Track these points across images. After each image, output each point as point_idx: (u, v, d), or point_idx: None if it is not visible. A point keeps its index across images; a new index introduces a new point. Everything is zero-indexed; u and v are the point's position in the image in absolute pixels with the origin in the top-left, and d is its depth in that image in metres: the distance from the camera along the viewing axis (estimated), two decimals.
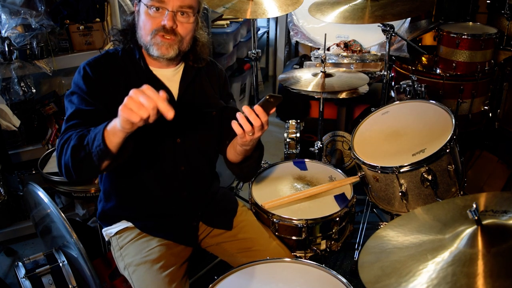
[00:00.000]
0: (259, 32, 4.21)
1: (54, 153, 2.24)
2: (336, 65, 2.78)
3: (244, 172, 1.57)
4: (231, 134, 1.36)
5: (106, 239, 1.62)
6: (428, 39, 3.22)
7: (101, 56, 1.43)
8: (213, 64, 1.60)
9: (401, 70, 2.76)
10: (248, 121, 1.26)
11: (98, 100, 1.35)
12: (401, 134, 1.73)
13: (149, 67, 1.43)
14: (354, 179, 1.77)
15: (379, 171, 1.62)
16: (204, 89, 1.52)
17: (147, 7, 1.33)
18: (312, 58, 2.91)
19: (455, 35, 2.53)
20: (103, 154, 1.19)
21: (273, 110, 1.30)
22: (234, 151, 1.47)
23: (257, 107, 1.26)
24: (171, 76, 1.46)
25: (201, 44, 1.48)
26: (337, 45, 2.90)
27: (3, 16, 2.15)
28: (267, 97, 1.26)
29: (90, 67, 1.38)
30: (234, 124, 1.27)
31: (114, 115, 1.24)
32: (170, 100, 1.42)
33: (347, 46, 2.88)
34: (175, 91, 1.45)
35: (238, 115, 1.27)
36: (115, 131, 1.16)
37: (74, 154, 1.22)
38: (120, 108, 1.09)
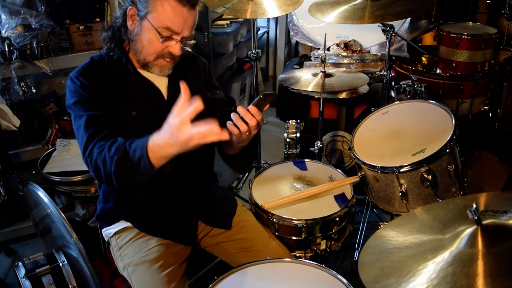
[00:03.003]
0: (259, 32, 4.21)
1: (54, 153, 2.24)
2: (336, 65, 2.78)
3: (241, 165, 1.61)
4: (224, 127, 1.38)
5: (106, 240, 1.62)
6: (428, 39, 3.21)
7: (88, 64, 1.42)
8: (195, 58, 1.60)
9: (401, 70, 2.76)
10: (243, 121, 1.27)
11: (101, 101, 1.36)
12: (401, 134, 1.73)
13: (137, 70, 1.44)
14: (354, 179, 1.77)
15: (379, 171, 1.62)
16: (191, 86, 1.52)
17: (158, 33, 1.31)
18: (312, 58, 2.91)
19: (455, 35, 2.53)
20: (149, 173, 1.22)
21: (267, 106, 1.32)
22: (230, 146, 1.48)
23: (252, 108, 1.28)
24: (158, 76, 1.46)
25: None
26: (337, 45, 2.90)
27: (3, 16, 2.15)
28: (261, 96, 1.27)
29: (82, 76, 1.38)
30: (230, 125, 1.29)
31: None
32: (161, 100, 1.44)
33: (347, 46, 2.87)
34: (164, 90, 1.46)
35: (233, 116, 1.29)
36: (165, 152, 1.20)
37: (120, 168, 1.23)
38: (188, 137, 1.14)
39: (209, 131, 1.11)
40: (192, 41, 1.40)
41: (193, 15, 1.34)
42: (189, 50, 1.57)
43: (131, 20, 1.36)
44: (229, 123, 1.29)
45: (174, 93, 1.47)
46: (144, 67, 1.41)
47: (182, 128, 1.12)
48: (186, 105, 1.13)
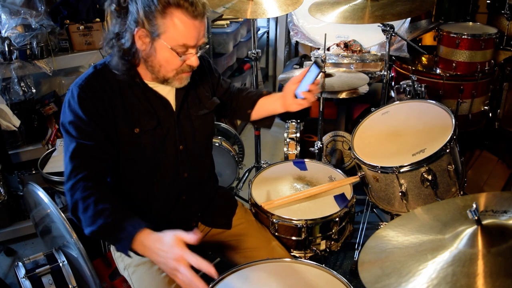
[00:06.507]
0: (259, 32, 4.21)
1: (54, 153, 2.24)
2: (336, 65, 2.78)
3: (272, 120, 1.72)
4: (251, 104, 1.65)
5: None
6: (428, 39, 3.22)
7: (91, 75, 1.35)
8: (200, 62, 1.57)
9: (401, 70, 2.76)
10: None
11: (98, 127, 1.31)
12: (401, 134, 1.73)
13: (144, 82, 1.39)
14: (354, 179, 1.77)
15: (379, 171, 1.62)
16: (198, 93, 1.51)
17: (175, 51, 1.28)
18: (312, 58, 2.92)
19: (455, 35, 2.53)
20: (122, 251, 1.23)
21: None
22: (267, 113, 1.67)
23: (312, 86, 1.48)
24: (165, 88, 1.42)
25: None
26: (337, 45, 2.90)
27: (3, 16, 2.15)
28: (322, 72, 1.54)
29: (84, 92, 1.31)
30: (303, 101, 1.51)
31: (112, 136, 1.33)
32: (169, 110, 1.42)
33: (347, 46, 2.88)
34: (172, 101, 1.44)
35: (302, 93, 1.48)
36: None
37: (100, 232, 1.23)
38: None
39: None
40: (206, 46, 1.39)
41: (204, 25, 1.31)
42: None
43: (141, 41, 1.29)
44: (299, 100, 1.51)
45: (182, 103, 1.45)
46: (163, 83, 1.37)
47: (180, 262, 1.11)
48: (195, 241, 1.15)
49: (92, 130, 1.30)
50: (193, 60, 1.33)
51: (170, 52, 1.28)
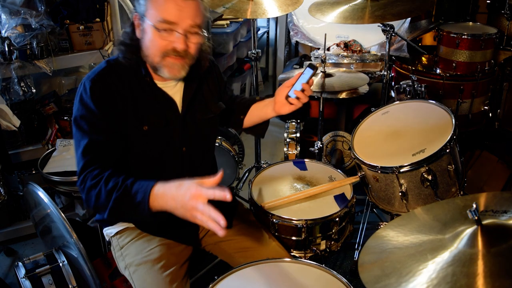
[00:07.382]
0: (259, 32, 4.21)
1: (54, 153, 2.24)
2: (336, 65, 2.79)
3: (265, 128, 1.75)
4: (244, 110, 1.66)
5: (107, 239, 1.62)
6: (428, 39, 3.22)
7: (104, 69, 1.36)
8: (210, 66, 1.56)
9: (401, 70, 2.76)
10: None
11: (109, 121, 1.31)
12: (401, 134, 1.73)
13: (154, 81, 1.39)
14: (354, 179, 1.77)
15: (379, 171, 1.62)
16: (204, 96, 1.51)
17: (156, 28, 1.26)
18: (312, 58, 2.92)
19: (455, 35, 2.53)
20: (144, 217, 1.22)
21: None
22: (259, 118, 1.67)
23: (305, 85, 1.46)
24: (173, 87, 1.43)
25: (202, 51, 1.43)
26: (337, 45, 2.90)
27: (3, 16, 2.15)
28: (314, 71, 1.48)
29: (96, 85, 1.32)
30: (292, 100, 1.48)
31: (123, 131, 1.32)
32: (175, 113, 1.43)
33: (347, 46, 2.88)
34: (179, 102, 1.44)
35: (295, 92, 1.46)
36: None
37: (118, 206, 1.22)
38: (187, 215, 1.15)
39: (213, 226, 1.10)
40: (198, 36, 1.32)
41: (191, 5, 1.27)
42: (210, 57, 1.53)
43: (137, 27, 1.32)
44: (291, 100, 1.48)
45: (189, 105, 1.45)
46: (155, 71, 1.35)
47: (198, 199, 1.12)
48: (215, 184, 1.16)
49: (104, 125, 1.31)
50: (177, 41, 1.27)
51: (153, 30, 1.27)
